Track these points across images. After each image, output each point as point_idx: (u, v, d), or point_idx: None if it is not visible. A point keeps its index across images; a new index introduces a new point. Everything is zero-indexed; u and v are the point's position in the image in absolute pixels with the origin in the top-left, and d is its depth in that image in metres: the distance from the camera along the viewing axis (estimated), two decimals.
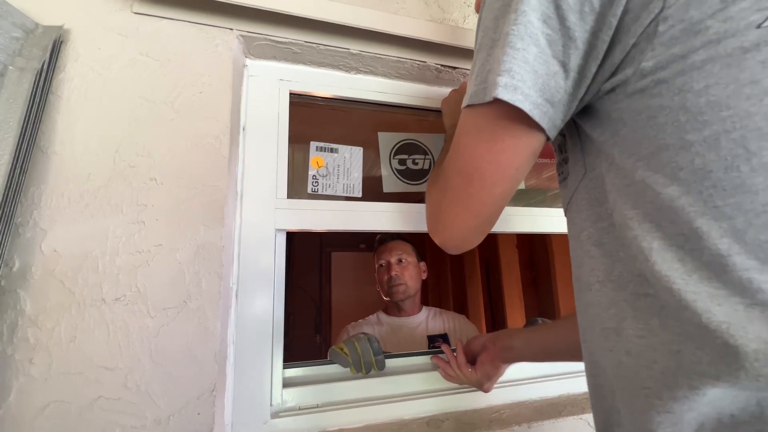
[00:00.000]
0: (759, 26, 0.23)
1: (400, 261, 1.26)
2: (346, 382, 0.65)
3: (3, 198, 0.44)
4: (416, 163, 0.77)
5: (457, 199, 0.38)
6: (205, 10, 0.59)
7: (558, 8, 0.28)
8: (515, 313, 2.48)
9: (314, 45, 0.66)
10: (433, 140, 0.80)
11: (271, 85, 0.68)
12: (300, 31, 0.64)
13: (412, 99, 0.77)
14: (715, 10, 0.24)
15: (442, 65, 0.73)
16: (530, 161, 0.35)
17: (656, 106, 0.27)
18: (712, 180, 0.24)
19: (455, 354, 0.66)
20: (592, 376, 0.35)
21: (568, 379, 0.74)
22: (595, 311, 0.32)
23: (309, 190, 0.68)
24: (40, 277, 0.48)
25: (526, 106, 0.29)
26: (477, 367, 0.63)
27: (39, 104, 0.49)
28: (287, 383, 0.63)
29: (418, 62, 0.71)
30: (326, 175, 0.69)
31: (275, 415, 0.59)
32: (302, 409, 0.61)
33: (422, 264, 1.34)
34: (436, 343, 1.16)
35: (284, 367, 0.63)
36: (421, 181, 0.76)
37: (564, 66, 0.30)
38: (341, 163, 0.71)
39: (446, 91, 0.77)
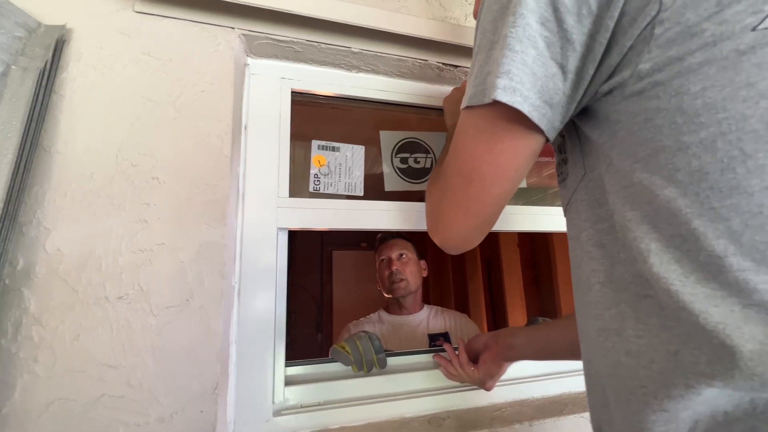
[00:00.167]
0: (754, 29, 0.23)
1: (401, 256, 1.27)
2: (348, 380, 0.65)
3: (7, 197, 0.44)
4: (418, 162, 0.77)
5: (456, 200, 0.38)
6: (207, 9, 0.59)
7: (556, 11, 0.29)
8: (517, 312, 2.48)
9: (316, 44, 0.66)
10: (434, 139, 0.80)
11: (273, 84, 0.68)
12: (301, 29, 0.64)
13: (413, 97, 0.77)
14: (710, 13, 0.24)
15: (443, 63, 0.73)
16: (529, 162, 0.35)
17: (653, 108, 0.27)
18: (708, 182, 0.24)
19: (457, 353, 0.67)
20: (587, 374, 0.36)
21: (569, 377, 0.74)
22: (596, 311, 0.32)
23: (311, 189, 0.68)
24: (44, 275, 0.48)
25: (525, 108, 0.29)
26: (479, 365, 0.64)
27: (42, 104, 0.49)
28: (289, 381, 0.63)
29: (419, 61, 0.71)
30: (328, 174, 0.69)
31: (277, 413, 0.59)
32: (304, 407, 0.61)
33: (422, 262, 1.35)
34: (437, 341, 1.16)
35: (286, 366, 0.63)
36: (422, 180, 0.76)
37: (562, 68, 0.30)
38: (343, 162, 0.71)
39: (448, 89, 0.76)
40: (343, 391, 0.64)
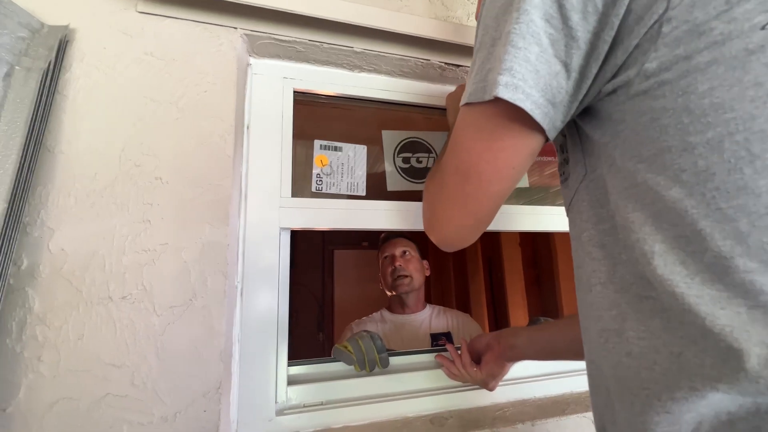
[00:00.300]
0: (764, 27, 0.23)
1: (404, 254, 1.28)
2: (350, 380, 0.65)
3: (11, 197, 0.44)
4: (420, 162, 0.77)
5: (453, 197, 0.38)
6: (209, 9, 0.59)
7: (561, 7, 0.28)
8: (518, 312, 2.48)
9: (318, 43, 0.66)
10: (437, 138, 0.80)
11: (275, 84, 0.68)
12: (304, 29, 0.64)
13: (415, 97, 0.76)
14: (719, 11, 0.24)
15: (445, 63, 0.73)
16: (528, 161, 0.34)
17: (659, 107, 0.26)
18: (715, 182, 0.24)
19: (459, 353, 0.67)
20: (590, 375, 0.35)
21: (572, 377, 0.74)
22: (596, 312, 0.32)
23: (313, 189, 0.68)
24: (48, 275, 0.48)
25: (527, 106, 0.29)
26: (482, 366, 0.64)
27: (45, 104, 0.49)
28: (292, 381, 0.63)
29: (421, 60, 0.71)
30: (330, 174, 0.69)
31: (280, 412, 0.59)
32: (307, 406, 0.61)
33: (425, 262, 1.35)
34: (439, 341, 1.17)
35: (289, 365, 0.64)
36: (425, 180, 0.76)
37: (566, 66, 0.29)
38: (345, 162, 0.71)
39: (450, 89, 0.76)
40: (345, 391, 0.64)
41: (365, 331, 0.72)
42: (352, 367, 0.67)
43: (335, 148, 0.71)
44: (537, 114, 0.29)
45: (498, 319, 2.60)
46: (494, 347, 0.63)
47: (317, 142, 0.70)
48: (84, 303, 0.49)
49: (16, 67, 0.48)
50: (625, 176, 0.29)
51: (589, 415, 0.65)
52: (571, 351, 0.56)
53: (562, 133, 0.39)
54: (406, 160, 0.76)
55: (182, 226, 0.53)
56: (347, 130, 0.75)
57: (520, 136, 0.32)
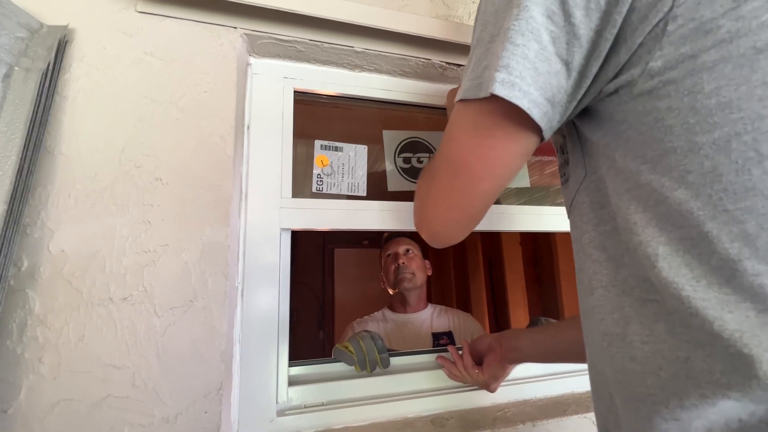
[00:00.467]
0: None
1: (407, 252, 1.29)
2: (351, 380, 0.65)
3: (11, 198, 0.44)
4: (421, 162, 0.77)
5: (442, 192, 0.37)
6: (209, 8, 0.59)
7: (564, 4, 0.28)
8: (519, 311, 2.48)
9: (318, 43, 0.65)
10: (438, 138, 0.80)
11: (276, 83, 0.68)
12: (304, 29, 0.63)
13: (416, 97, 0.76)
14: (726, 9, 0.24)
15: (446, 63, 0.72)
16: (521, 161, 0.34)
17: (664, 107, 0.26)
18: (722, 183, 0.24)
19: (460, 353, 0.66)
20: (592, 379, 0.35)
21: (572, 377, 0.74)
22: (599, 316, 0.32)
23: (313, 189, 0.68)
24: (48, 277, 0.48)
25: (523, 104, 0.28)
26: (484, 368, 0.63)
27: (45, 105, 0.49)
28: (293, 381, 0.63)
29: (422, 60, 0.71)
30: (331, 174, 0.69)
31: (281, 413, 0.59)
32: (308, 407, 0.61)
33: (427, 262, 1.35)
34: (441, 341, 1.17)
35: (290, 366, 0.63)
36: None
37: (567, 65, 0.29)
38: (346, 162, 0.70)
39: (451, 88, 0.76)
40: (346, 391, 0.64)
41: (366, 331, 0.72)
42: (352, 367, 0.67)
43: (336, 149, 0.70)
44: (535, 113, 0.29)
45: (498, 319, 2.60)
46: (496, 349, 0.63)
47: (318, 142, 0.70)
48: (84, 304, 0.48)
49: (15, 68, 0.47)
50: (627, 177, 0.29)
51: (590, 416, 0.65)
52: (573, 353, 0.55)
53: (562, 134, 0.38)
54: (407, 160, 0.76)
55: (183, 227, 0.53)
56: (348, 130, 0.75)
57: (514, 135, 0.32)
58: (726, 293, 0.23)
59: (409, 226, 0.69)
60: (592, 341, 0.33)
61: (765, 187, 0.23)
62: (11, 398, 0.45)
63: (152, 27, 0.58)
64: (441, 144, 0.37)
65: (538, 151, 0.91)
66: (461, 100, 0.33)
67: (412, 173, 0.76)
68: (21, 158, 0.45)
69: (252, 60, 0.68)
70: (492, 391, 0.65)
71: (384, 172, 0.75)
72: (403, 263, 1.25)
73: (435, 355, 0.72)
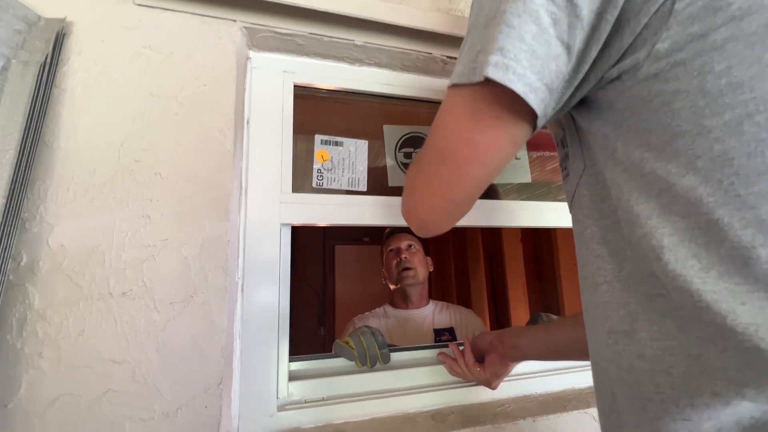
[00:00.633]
0: None
1: (409, 247, 1.28)
2: (352, 376, 0.65)
3: (9, 192, 0.44)
4: None
5: (429, 178, 0.35)
6: (208, 1, 0.58)
7: None
8: (519, 308, 2.48)
9: (318, 36, 0.65)
10: None
11: (275, 78, 0.67)
12: (304, 22, 0.63)
13: (417, 91, 0.76)
14: None
15: (448, 57, 0.72)
16: (510, 150, 0.32)
17: (671, 90, 0.25)
18: (733, 167, 0.23)
19: (461, 348, 0.66)
20: (596, 378, 0.34)
21: (573, 373, 0.74)
22: (603, 313, 0.31)
23: (314, 184, 0.67)
24: (48, 271, 0.48)
25: (518, 88, 0.27)
26: (485, 366, 0.63)
27: (43, 98, 0.49)
28: (293, 376, 0.63)
29: (423, 54, 0.70)
30: (331, 169, 0.69)
31: (281, 408, 0.59)
32: (308, 402, 0.61)
33: (428, 258, 1.35)
34: (443, 337, 1.17)
35: (290, 361, 0.63)
36: None
37: (568, 49, 0.27)
38: (346, 157, 0.70)
39: None
40: (346, 387, 0.64)
41: (366, 326, 0.72)
42: (353, 362, 0.67)
43: (336, 143, 0.70)
44: (531, 97, 0.27)
45: (499, 316, 2.60)
46: (498, 347, 0.63)
47: (318, 137, 0.69)
48: (84, 299, 0.48)
49: (13, 61, 0.47)
50: (629, 168, 0.28)
51: (591, 411, 0.65)
52: (575, 351, 0.55)
53: (562, 128, 0.37)
54: (407, 155, 0.76)
55: (182, 222, 0.53)
56: (348, 125, 0.74)
57: (506, 121, 0.30)
58: (737, 283, 0.22)
59: None
60: (597, 338, 0.32)
61: None
62: (11, 393, 0.45)
63: (151, 20, 0.57)
64: (430, 132, 0.36)
65: (539, 147, 0.90)
66: (453, 86, 0.32)
67: None
68: (19, 152, 0.45)
69: (251, 54, 0.67)
70: (493, 388, 0.65)
71: (385, 167, 0.75)
72: (406, 258, 1.24)
73: (435, 350, 0.72)
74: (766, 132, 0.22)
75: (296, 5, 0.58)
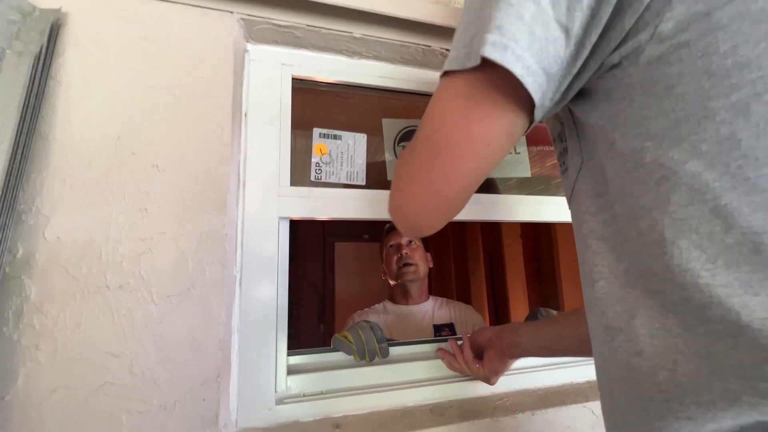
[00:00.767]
0: None
1: (410, 243, 1.28)
2: (350, 370, 0.65)
3: (5, 184, 0.43)
4: None
5: (420, 172, 0.33)
6: None
7: None
8: (519, 305, 2.48)
9: (316, 28, 0.64)
10: None
11: (273, 70, 0.67)
12: (301, 13, 0.62)
13: (416, 84, 0.75)
14: None
15: (447, 50, 0.71)
16: (506, 142, 0.30)
17: (675, 73, 0.24)
18: (741, 150, 0.22)
19: (460, 343, 0.66)
20: (597, 376, 0.33)
21: (572, 367, 0.73)
22: (600, 309, 0.30)
23: (312, 178, 0.67)
24: (44, 264, 0.48)
25: (516, 69, 0.25)
26: (484, 363, 0.63)
27: (38, 89, 0.48)
28: (291, 370, 0.63)
29: (422, 46, 0.70)
30: (329, 163, 0.68)
31: (280, 401, 0.59)
32: (307, 395, 0.61)
33: (428, 254, 1.35)
34: (442, 333, 1.17)
35: (288, 355, 0.63)
36: None
37: (567, 32, 0.25)
38: (345, 150, 0.70)
39: None
40: (345, 381, 0.64)
41: (365, 321, 0.72)
42: (352, 357, 0.67)
43: (334, 137, 0.70)
44: (529, 82, 0.25)
45: (499, 313, 2.61)
46: (496, 344, 0.63)
47: (316, 131, 0.69)
48: (81, 292, 0.48)
49: (7, 51, 0.47)
50: (628, 158, 0.27)
51: (590, 405, 0.65)
52: (573, 348, 0.55)
53: (560, 121, 0.36)
54: None
55: (179, 215, 0.53)
56: (347, 119, 0.74)
57: (502, 108, 0.28)
58: (747, 271, 0.21)
59: None
60: (596, 335, 0.32)
61: None
62: (8, 385, 0.45)
63: (147, 11, 0.56)
64: (421, 124, 0.34)
65: (538, 141, 0.90)
66: (446, 73, 0.30)
67: None
68: (14, 143, 0.45)
69: (249, 46, 0.67)
70: (491, 384, 0.65)
71: (383, 162, 0.74)
72: (407, 253, 1.24)
73: (434, 345, 0.72)
74: None
75: None
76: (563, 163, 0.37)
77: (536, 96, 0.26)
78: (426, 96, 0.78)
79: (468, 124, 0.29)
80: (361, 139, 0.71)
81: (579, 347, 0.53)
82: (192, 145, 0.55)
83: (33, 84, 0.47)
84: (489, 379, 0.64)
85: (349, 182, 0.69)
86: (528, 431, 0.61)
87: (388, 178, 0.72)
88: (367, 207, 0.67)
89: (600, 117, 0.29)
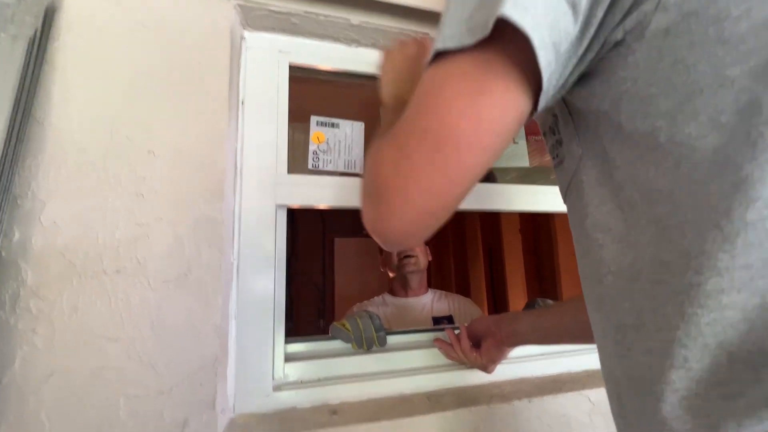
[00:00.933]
0: None
1: None
2: (348, 358, 0.65)
3: (0, 168, 0.43)
4: None
5: (414, 173, 0.28)
6: None
7: None
8: (518, 301, 2.48)
9: (314, 15, 0.64)
10: None
11: (270, 57, 0.66)
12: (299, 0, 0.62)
13: None
14: None
15: None
16: (513, 129, 0.27)
17: (685, 45, 0.23)
18: (762, 115, 0.20)
19: (458, 336, 0.66)
20: (605, 378, 0.32)
21: (569, 357, 0.73)
22: (609, 306, 0.28)
23: (309, 166, 0.67)
24: (41, 248, 0.48)
25: (536, 36, 0.22)
26: (482, 352, 0.63)
27: (33, 73, 0.48)
28: (290, 358, 0.63)
29: (421, 34, 0.69)
30: (327, 151, 0.68)
31: (277, 388, 0.59)
32: (304, 382, 0.61)
33: (426, 248, 1.35)
34: (441, 325, 1.17)
35: (287, 343, 0.63)
36: None
37: (574, 7, 0.23)
38: (342, 139, 0.69)
39: None
40: (343, 368, 0.64)
41: (364, 310, 0.72)
42: (349, 345, 0.67)
43: (332, 125, 0.69)
44: (542, 55, 0.23)
45: (498, 308, 2.61)
46: (495, 333, 0.63)
47: (314, 118, 0.68)
48: (78, 276, 0.48)
49: (2, 34, 0.46)
50: (638, 142, 0.25)
51: (586, 392, 0.65)
52: (571, 335, 0.55)
53: (553, 114, 0.34)
54: None
55: (176, 201, 0.52)
56: (344, 108, 0.73)
57: (514, 90, 0.25)
58: None
59: None
60: (605, 335, 0.30)
61: None
62: (5, 368, 0.45)
63: None
64: (411, 113, 0.28)
65: (538, 132, 0.89)
66: (440, 55, 0.26)
67: None
68: (9, 127, 0.44)
69: (246, 34, 0.66)
70: (489, 372, 0.65)
71: None
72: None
73: (432, 334, 0.72)
74: None
75: None
76: (557, 155, 0.35)
77: (545, 75, 0.24)
78: None
79: (477, 113, 0.25)
80: (359, 127, 0.71)
81: (578, 334, 0.53)
82: (188, 132, 0.54)
83: (27, 68, 0.47)
84: (486, 368, 0.64)
85: (346, 171, 0.69)
86: (525, 418, 0.61)
87: None
88: None
89: (601, 102, 0.27)
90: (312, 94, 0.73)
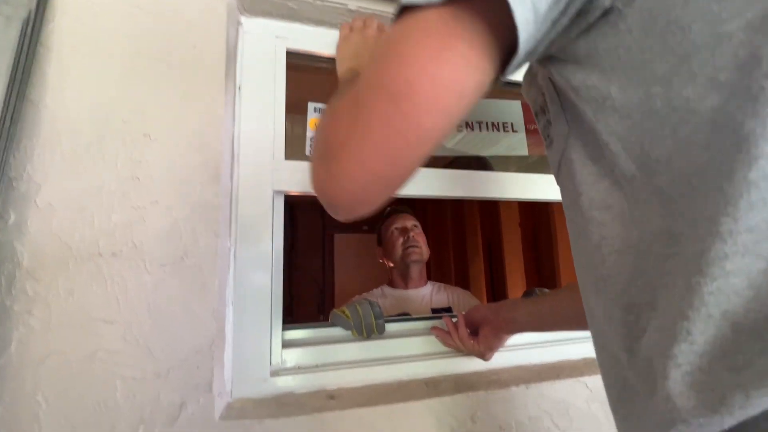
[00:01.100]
0: None
1: (415, 227, 1.31)
2: (346, 344, 0.65)
3: None
4: None
5: (369, 131, 0.26)
6: None
7: None
8: (518, 294, 2.48)
9: (311, 0, 0.63)
10: None
11: (267, 42, 0.66)
12: None
13: None
14: None
15: None
16: (473, 94, 0.25)
17: (678, 3, 0.22)
18: (763, 68, 0.20)
19: (455, 324, 0.66)
20: (601, 363, 0.31)
21: (567, 344, 0.73)
22: (617, 286, 0.27)
23: (307, 152, 0.67)
24: (36, 231, 0.47)
25: None
26: (480, 339, 0.63)
27: (28, 55, 0.48)
28: (288, 344, 0.63)
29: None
30: None
31: (275, 373, 0.59)
32: (302, 368, 0.61)
33: (425, 240, 1.35)
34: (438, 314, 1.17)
35: (285, 329, 0.63)
36: None
37: None
38: None
39: None
40: (340, 355, 0.64)
41: (364, 298, 0.72)
42: (349, 332, 0.67)
43: None
44: (519, 12, 0.21)
45: (497, 301, 2.61)
46: (492, 320, 0.63)
47: (311, 105, 0.68)
48: (74, 259, 0.48)
49: None
50: (632, 112, 0.24)
51: (584, 379, 0.65)
52: (569, 322, 0.55)
53: (541, 92, 0.33)
54: None
55: (172, 184, 0.52)
56: None
57: (478, 49, 0.23)
58: None
59: (404, 191, 0.68)
60: (609, 318, 0.28)
61: None
62: (1, 349, 0.45)
63: None
64: (368, 67, 0.27)
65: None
66: (406, 9, 0.25)
67: None
68: (3, 108, 0.44)
69: (243, 19, 0.66)
70: (487, 359, 0.65)
71: None
72: (413, 236, 1.27)
73: (430, 322, 0.72)
74: None
75: None
76: (548, 136, 0.34)
77: (522, 35, 0.22)
78: None
79: (438, 69, 0.23)
80: None
81: (574, 321, 0.53)
82: (184, 116, 0.54)
83: (22, 49, 0.47)
84: (484, 355, 0.64)
85: None
86: (522, 403, 0.61)
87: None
88: None
89: (587, 75, 0.26)
90: (310, 80, 0.73)
